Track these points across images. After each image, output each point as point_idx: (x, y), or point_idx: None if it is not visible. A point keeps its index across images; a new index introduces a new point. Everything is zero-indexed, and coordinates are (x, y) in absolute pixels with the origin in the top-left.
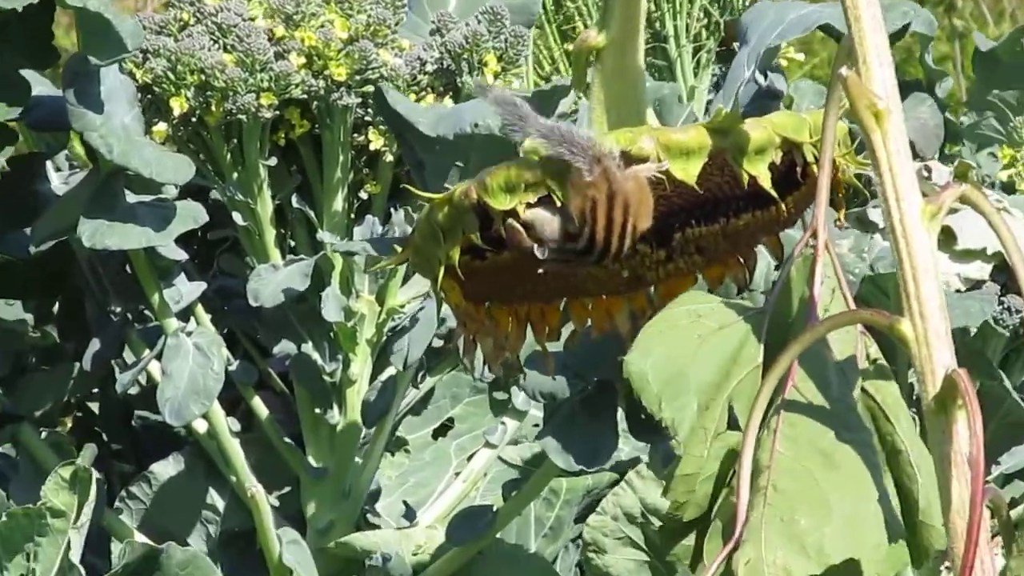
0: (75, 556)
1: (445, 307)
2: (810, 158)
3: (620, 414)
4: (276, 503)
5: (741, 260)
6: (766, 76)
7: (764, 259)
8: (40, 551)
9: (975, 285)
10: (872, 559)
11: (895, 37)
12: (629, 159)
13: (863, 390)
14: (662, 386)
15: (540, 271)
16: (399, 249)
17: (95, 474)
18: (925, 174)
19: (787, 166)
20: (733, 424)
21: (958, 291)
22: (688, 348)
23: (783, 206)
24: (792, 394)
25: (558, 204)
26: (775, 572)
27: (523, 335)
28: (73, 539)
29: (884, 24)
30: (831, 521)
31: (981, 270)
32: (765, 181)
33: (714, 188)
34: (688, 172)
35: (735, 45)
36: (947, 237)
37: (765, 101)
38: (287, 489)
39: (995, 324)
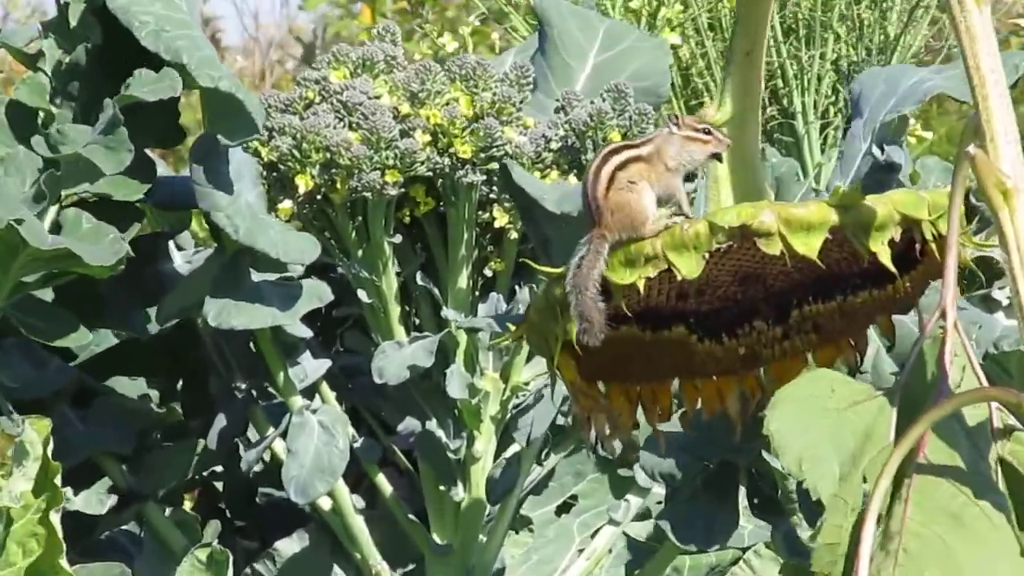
0: None
1: (564, 385)
2: (929, 236)
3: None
4: None
5: (852, 343)
6: (883, 149)
7: (874, 343)
8: None
9: None
10: None
11: (1013, 85)
12: (748, 232)
13: (999, 458)
14: (803, 449)
15: (656, 345)
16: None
17: (230, 556)
18: None
19: (905, 244)
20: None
21: None
22: (827, 419)
23: (900, 284)
24: (922, 465)
25: (678, 277)
26: None
27: (634, 415)
28: None
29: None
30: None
31: None
32: (885, 258)
33: (833, 264)
34: (810, 246)
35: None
36: None
37: (882, 175)
38: (411, 567)
39: None
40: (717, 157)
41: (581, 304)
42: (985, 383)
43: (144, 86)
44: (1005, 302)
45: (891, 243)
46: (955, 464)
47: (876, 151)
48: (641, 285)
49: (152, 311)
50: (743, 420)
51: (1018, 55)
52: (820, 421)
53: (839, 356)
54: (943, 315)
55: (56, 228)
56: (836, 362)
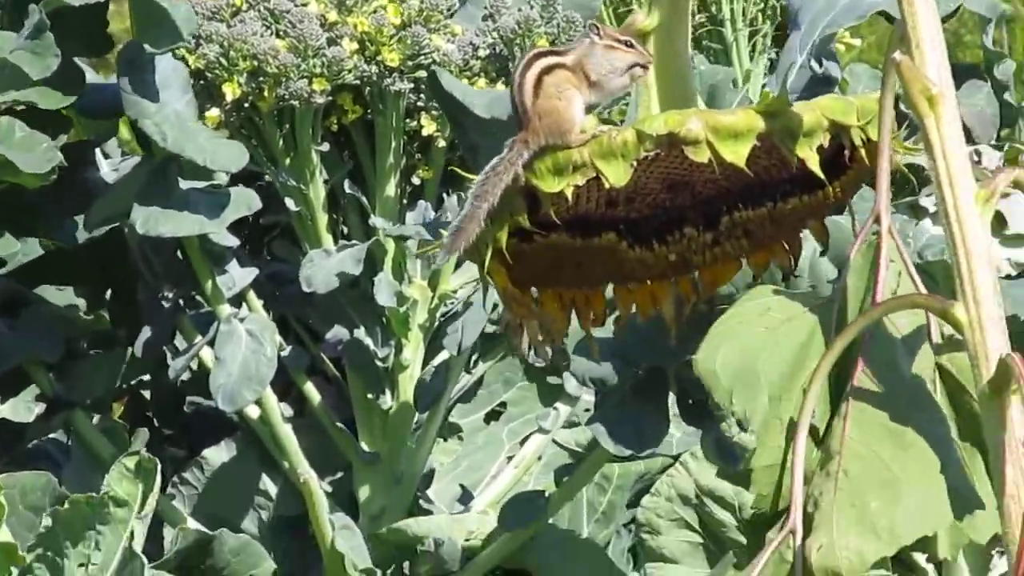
0: (138, 546)
1: (496, 292)
2: (858, 142)
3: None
4: (328, 489)
5: (786, 246)
6: (821, 63)
7: (809, 246)
8: (101, 540)
9: None
10: (944, 536)
11: (946, 19)
12: (675, 140)
13: (938, 366)
14: (732, 380)
15: (587, 252)
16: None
17: (158, 464)
18: (975, 159)
19: (835, 150)
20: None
21: (1008, 276)
22: (757, 342)
23: (830, 190)
24: (861, 379)
25: (606, 185)
26: (848, 556)
27: (568, 320)
28: (136, 529)
29: (936, 7)
30: (901, 502)
31: None
32: (813, 164)
33: (762, 171)
34: (738, 154)
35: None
36: (998, 222)
37: (820, 87)
38: (339, 475)
39: None
40: (640, 68)
41: (467, 215)
42: (922, 288)
43: None
44: (932, 209)
45: (820, 149)
46: (893, 378)
47: (814, 64)
48: (569, 193)
49: (80, 219)
50: (678, 324)
51: None
52: (748, 348)
53: (773, 260)
54: (877, 220)
55: None
56: (770, 266)
